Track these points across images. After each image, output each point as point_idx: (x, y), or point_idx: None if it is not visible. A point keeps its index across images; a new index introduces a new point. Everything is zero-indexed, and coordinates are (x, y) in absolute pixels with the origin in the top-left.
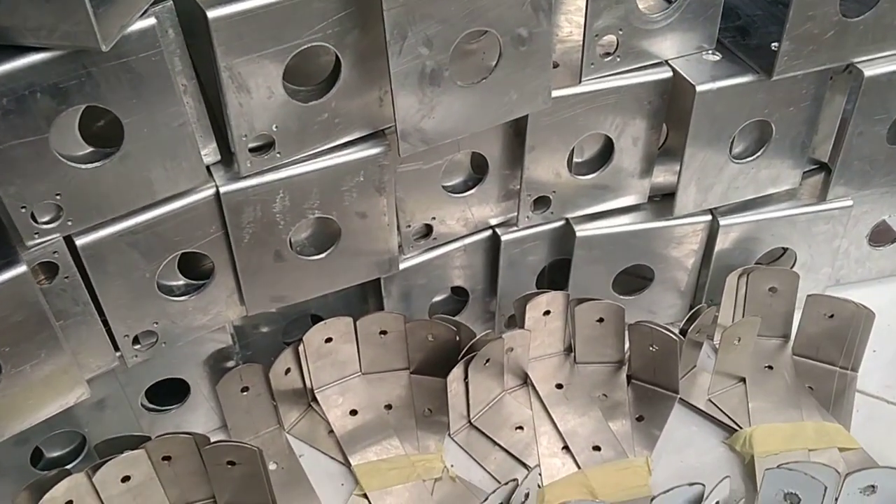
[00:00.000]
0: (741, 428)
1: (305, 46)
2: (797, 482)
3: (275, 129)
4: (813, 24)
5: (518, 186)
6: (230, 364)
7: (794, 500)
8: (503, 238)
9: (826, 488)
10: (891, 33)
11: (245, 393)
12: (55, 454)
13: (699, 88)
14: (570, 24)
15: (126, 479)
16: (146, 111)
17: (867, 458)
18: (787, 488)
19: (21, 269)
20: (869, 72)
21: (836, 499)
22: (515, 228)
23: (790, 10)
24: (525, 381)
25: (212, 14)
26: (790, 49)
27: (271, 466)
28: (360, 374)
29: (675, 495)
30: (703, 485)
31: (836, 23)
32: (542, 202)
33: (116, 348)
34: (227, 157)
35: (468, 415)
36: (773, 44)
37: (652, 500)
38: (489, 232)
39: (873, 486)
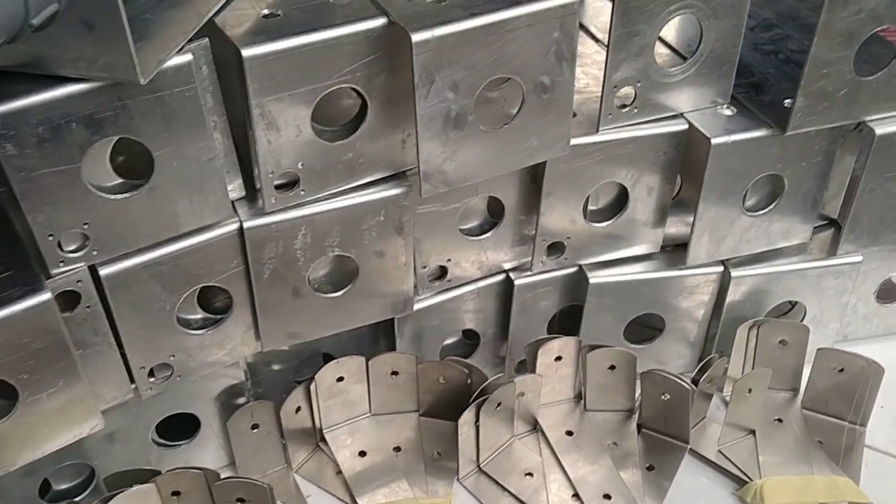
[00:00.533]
0: (751, 480)
1: (335, 88)
2: None
3: (300, 167)
4: (827, 82)
5: (533, 232)
6: (241, 401)
7: None
8: (516, 282)
9: None
10: None
11: (255, 430)
12: (63, 486)
13: (714, 141)
14: (587, 77)
15: None
16: (177, 145)
17: None
18: None
19: (45, 296)
20: (880, 130)
21: None
22: (529, 273)
23: (805, 66)
24: (535, 427)
25: (246, 52)
26: (804, 105)
27: None
28: (369, 415)
29: None
30: None
31: (849, 81)
32: (556, 248)
33: (132, 380)
34: (252, 194)
35: (477, 459)
36: (785, 101)
37: None
38: (503, 276)
39: None
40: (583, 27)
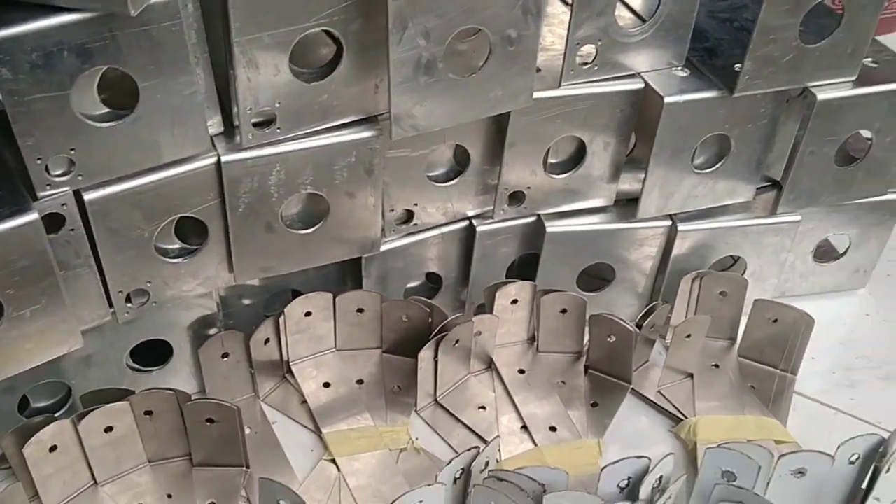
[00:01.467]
0: (687, 418)
1: (313, 30)
2: (734, 461)
3: (277, 106)
4: (774, 48)
5: (496, 181)
6: (213, 331)
7: (730, 477)
8: (478, 229)
9: (760, 468)
10: (843, 61)
11: (225, 359)
12: (41, 404)
13: (667, 100)
14: (552, 35)
15: (109, 429)
16: (161, 77)
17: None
18: (724, 466)
19: (32, 216)
20: (821, 95)
21: (770, 480)
22: (490, 221)
23: (754, 32)
24: (490, 365)
25: None
26: (751, 69)
27: (246, 431)
28: (334, 350)
29: (622, 466)
30: (649, 458)
31: (794, 48)
32: (517, 197)
33: (110, 304)
34: (230, 131)
35: (434, 393)
36: (736, 65)
37: (602, 469)
38: (466, 222)
39: (803, 470)
40: None
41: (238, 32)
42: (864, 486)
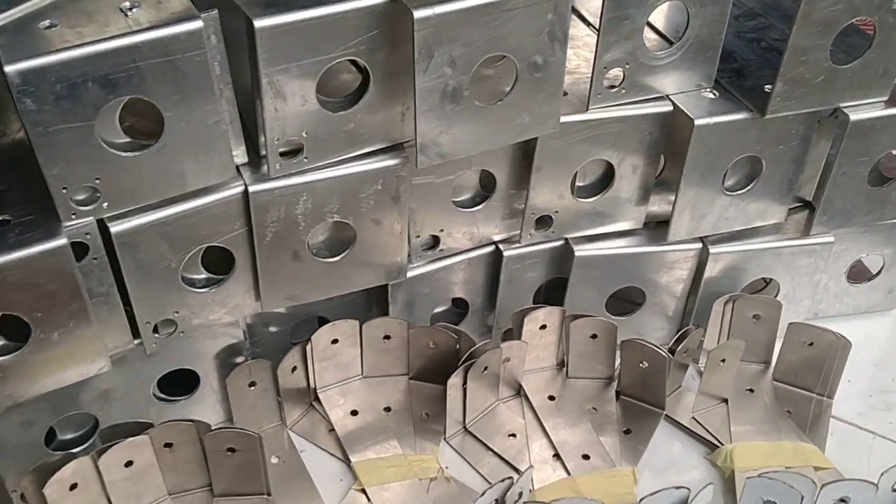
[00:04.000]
0: (722, 444)
1: (340, 60)
2: (776, 490)
3: (304, 136)
4: (805, 69)
5: (522, 206)
6: (240, 360)
7: None
8: (505, 254)
9: (803, 497)
10: (875, 81)
11: (252, 388)
12: (68, 436)
13: (697, 122)
14: (578, 58)
15: (129, 463)
16: (186, 107)
17: (840, 476)
18: (766, 496)
19: (62, 241)
20: (854, 116)
21: None
22: (517, 245)
23: (785, 54)
24: (519, 391)
25: (258, 23)
26: (783, 90)
27: (273, 460)
28: (361, 378)
29: (661, 497)
30: (689, 489)
31: (826, 69)
32: (544, 221)
33: (136, 335)
34: (255, 161)
35: (464, 420)
36: (766, 86)
37: (641, 500)
38: (492, 247)
39: (846, 499)
40: (575, 11)
41: (265, 64)
42: None
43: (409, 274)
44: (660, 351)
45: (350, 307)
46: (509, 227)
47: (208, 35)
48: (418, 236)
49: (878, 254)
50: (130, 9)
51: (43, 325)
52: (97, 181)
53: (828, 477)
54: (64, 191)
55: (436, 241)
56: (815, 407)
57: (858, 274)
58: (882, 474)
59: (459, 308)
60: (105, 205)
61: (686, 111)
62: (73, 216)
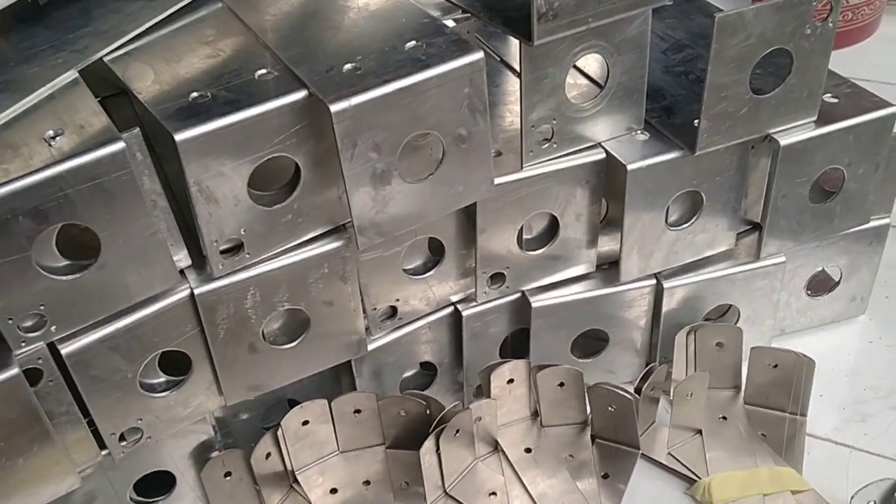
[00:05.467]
0: (700, 478)
1: (267, 158)
2: None
3: (243, 233)
4: (727, 104)
5: (474, 265)
6: (214, 454)
7: None
8: (464, 313)
9: None
10: (801, 104)
11: (228, 478)
12: None
13: (630, 167)
14: (511, 115)
15: None
16: (120, 224)
17: (819, 498)
18: None
19: (14, 370)
20: (784, 141)
21: None
22: (475, 303)
23: (704, 92)
24: (496, 447)
25: (179, 137)
26: (708, 127)
27: None
28: (338, 453)
29: None
30: None
31: (747, 100)
32: (497, 278)
33: (102, 446)
34: (199, 261)
35: (443, 484)
36: (695, 121)
37: None
38: (451, 308)
39: None
40: (507, 65)
41: (192, 173)
42: None
43: (372, 346)
44: (624, 395)
45: (318, 384)
46: (465, 286)
47: (133, 153)
48: (375, 308)
49: (835, 265)
50: (54, 137)
51: (7, 452)
52: (42, 307)
53: (806, 500)
54: (10, 321)
55: (393, 310)
56: (789, 426)
57: (819, 285)
58: (852, 497)
59: (428, 370)
60: (53, 328)
61: (618, 157)
62: (23, 344)
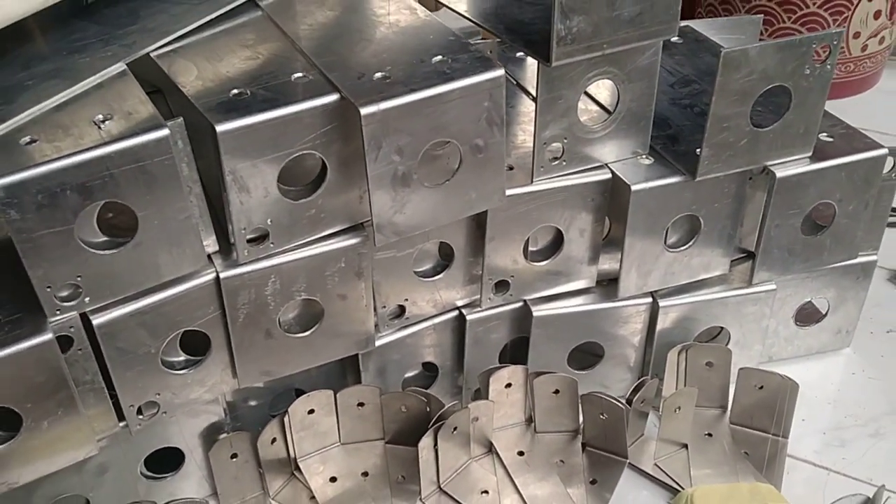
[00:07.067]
0: (683, 489)
1: (297, 154)
2: None
3: (269, 223)
4: (728, 134)
5: (480, 272)
6: (222, 435)
7: None
8: (468, 318)
9: None
10: (798, 140)
11: (234, 459)
12: None
13: (634, 188)
14: (524, 133)
15: None
16: (157, 206)
17: None
18: None
19: (48, 336)
20: (780, 173)
21: None
22: (479, 309)
23: (707, 122)
24: (490, 449)
25: (220, 128)
26: (709, 154)
27: None
28: (339, 444)
29: None
30: None
31: (747, 132)
32: (502, 286)
33: (120, 417)
34: (226, 248)
35: (438, 480)
36: (697, 149)
37: None
38: (456, 312)
39: None
40: (522, 88)
41: (228, 162)
42: None
43: (378, 343)
44: (617, 403)
45: (326, 377)
46: (470, 292)
47: (175, 140)
48: (384, 306)
49: (823, 297)
50: (103, 121)
51: (33, 414)
52: (79, 278)
53: None
54: (48, 289)
55: (402, 310)
56: (770, 447)
57: (808, 316)
58: None
59: (430, 371)
60: (87, 299)
61: (623, 178)
62: (58, 312)
